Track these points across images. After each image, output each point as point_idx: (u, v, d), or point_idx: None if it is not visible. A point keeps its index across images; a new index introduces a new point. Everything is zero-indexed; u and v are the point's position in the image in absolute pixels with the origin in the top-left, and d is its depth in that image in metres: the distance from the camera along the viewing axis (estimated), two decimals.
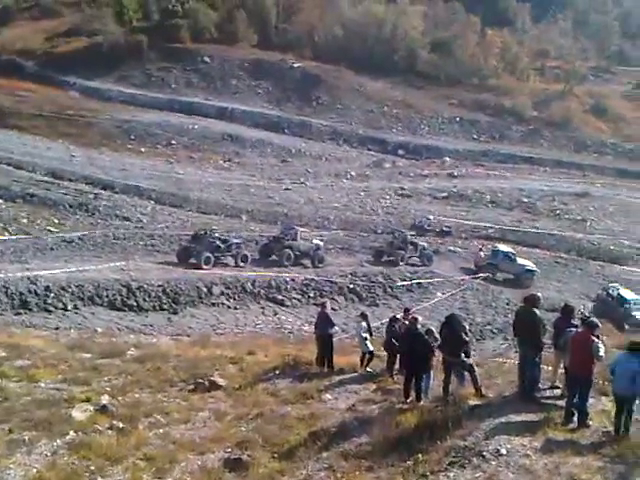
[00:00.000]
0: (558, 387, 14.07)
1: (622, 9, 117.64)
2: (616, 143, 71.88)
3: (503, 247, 40.04)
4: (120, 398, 14.50)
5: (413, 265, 38.60)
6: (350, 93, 75.24)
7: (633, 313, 33.94)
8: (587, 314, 16.82)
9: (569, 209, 52.26)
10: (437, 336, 14.20)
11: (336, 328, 18.56)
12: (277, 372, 16.86)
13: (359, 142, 68.13)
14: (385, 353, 16.29)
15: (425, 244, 40.13)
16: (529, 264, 38.94)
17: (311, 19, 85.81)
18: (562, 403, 13.08)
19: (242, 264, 34.51)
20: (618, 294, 35.06)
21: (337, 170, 59.03)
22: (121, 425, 12.98)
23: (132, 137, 60.21)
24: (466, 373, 13.89)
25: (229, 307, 30.58)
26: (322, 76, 76.01)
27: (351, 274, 35.55)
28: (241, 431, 13.24)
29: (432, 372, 14.32)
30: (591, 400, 13.12)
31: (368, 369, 16.55)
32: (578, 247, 44.90)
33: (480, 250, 40.21)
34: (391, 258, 38.53)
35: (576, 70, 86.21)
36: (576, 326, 13.41)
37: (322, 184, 54.28)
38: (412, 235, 40.94)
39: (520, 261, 38.78)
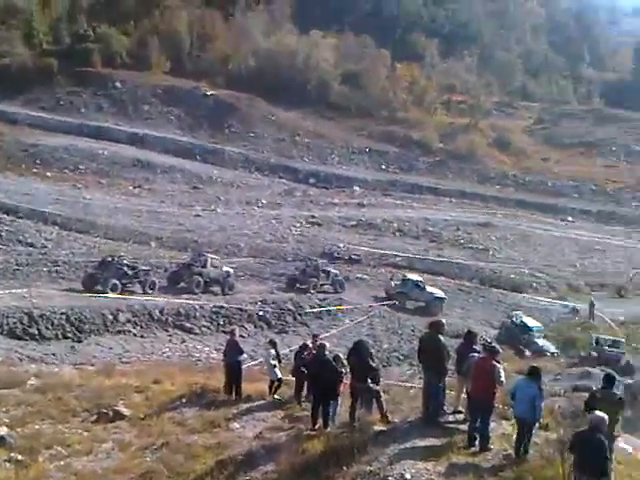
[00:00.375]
0: (461, 412, 14.40)
1: (525, 47, 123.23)
2: (517, 175, 74.55)
3: (413, 276, 40.86)
4: (19, 429, 14.02)
5: (324, 292, 38.92)
6: (262, 122, 75.51)
7: (535, 340, 35.35)
8: (489, 340, 17.34)
9: (472, 238, 53.84)
10: (345, 362, 14.36)
11: (245, 355, 18.47)
12: (184, 401, 16.62)
13: (271, 170, 68.29)
14: (294, 380, 16.35)
15: (337, 272, 40.60)
16: (438, 292, 39.92)
17: (225, 48, 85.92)
18: (465, 427, 13.41)
19: (150, 291, 33.95)
20: (521, 322, 36.44)
21: (248, 198, 59.00)
22: (20, 457, 12.55)
23: (38, 161, 58.31)
24: (373, 399, 14.10)
25: (135, 335, 29.99)
26: (235, 104, 76.02)
27: (261, 301, 35.55)
28: (146, 461, 13.00)
29: (340, 398, 14.45)
30: (492, 424, 13.48)
31: (276, 396, 16.53)
32: (481, 275, 46.29)
33: (391, 279, 40.95)
34: (304, 286, 38.76)
35: (480, 105, 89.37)
36: (478, 352, 13.82)
37: (233, 211, 54.15)
38: (324, 263, 41.36)
39: (429, 289, 39.69)
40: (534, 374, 12.38)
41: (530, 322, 36.80)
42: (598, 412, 10.69)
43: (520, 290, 45.46)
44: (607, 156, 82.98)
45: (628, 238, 60.15)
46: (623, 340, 35.52)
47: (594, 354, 33.37)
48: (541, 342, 35.77)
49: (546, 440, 12.72)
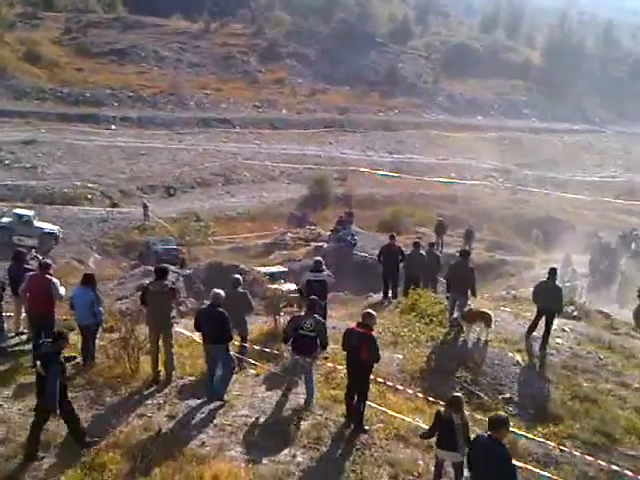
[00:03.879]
0: (24, 332, 14.43)
1: None
2: (54, 88, 71.95)
3: (21, 210, 37.54)
4: None
5: None
6: None
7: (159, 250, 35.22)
8: (41, 257, 17.31)
9: (18, 157, 51.24)
10: None
11: None
12: None
13: None
14: None
15: None
16: (49, 226, 37.19)
17: None
18: (30, 347, 13.49)
19: None
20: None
21: None
22: None
23: None
24: None
25: None
26: None
27: None
28: None
29: None
30: None
31: None
32: (33, 194, 44.70)
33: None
34: None
35: (3, 17, 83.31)
36: (30, 270, 13.84)
37: None
38: None
39: (38, 224, 36.71)
40: (88, 282, 12.93)
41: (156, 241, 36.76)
42: (217, 289, 12.00)
43: (75, 203, 45.13)
44: (138, 62, 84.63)
45: (170, 140, 63.12)
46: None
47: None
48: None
49: (111, 341, 13.50)
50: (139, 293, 21.81)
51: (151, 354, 12.53)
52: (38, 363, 9.81)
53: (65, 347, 10.34)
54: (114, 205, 44.67)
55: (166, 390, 12.13)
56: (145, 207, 42.99)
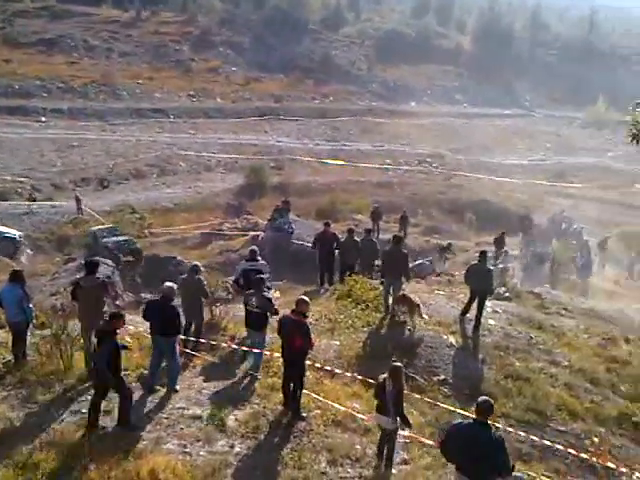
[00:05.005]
0: None
1: None
2: None
3: None
4: None
5: None
6: None
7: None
8: None
9: None
10: None
11: None
12: None
13: None
14: None
15: None
16: (7, 230, 35.05)
17: None
18: None
19: None
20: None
21: None
22: None
23: None
24: None
25: None
26: None
27: None
28: None
29: None
30: None
31: None
32: None
33: None
34: None
35: None
36: None
37: None
38: None
39: None
40: (16, 278, 12.67)
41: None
42: (168, 282, 12.05)
43: (5, 198, 43.84)
44: (68, 52, 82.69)
45: (102, 131, 61.92)
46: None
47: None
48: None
49: (42, 338, 13.26)
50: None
51: (84, 350, 12.38)
52: (95, 340, 10.49)
53: (120, 326, 10.77)
54: (33, 200, 43.29)
55: None
56: (78, 200, 41.97)
